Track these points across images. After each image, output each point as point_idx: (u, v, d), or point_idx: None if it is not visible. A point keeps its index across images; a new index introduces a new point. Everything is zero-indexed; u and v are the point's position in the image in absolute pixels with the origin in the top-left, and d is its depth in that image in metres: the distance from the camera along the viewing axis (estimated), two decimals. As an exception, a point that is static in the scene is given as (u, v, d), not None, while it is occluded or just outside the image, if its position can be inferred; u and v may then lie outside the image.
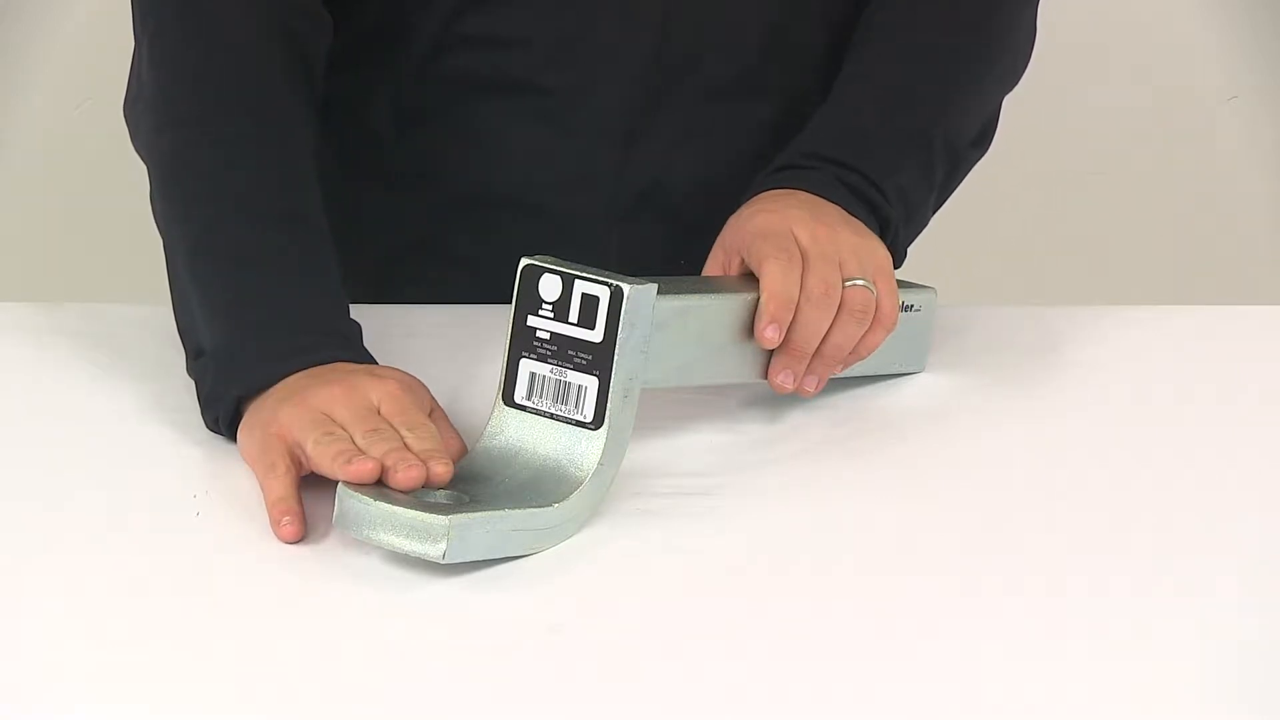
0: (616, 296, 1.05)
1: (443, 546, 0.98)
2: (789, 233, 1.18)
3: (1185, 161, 2.57)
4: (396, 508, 0.99)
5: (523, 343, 1.07)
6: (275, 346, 1.15)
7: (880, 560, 1.04)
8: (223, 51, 1.25)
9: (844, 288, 1.16)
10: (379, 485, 1.02)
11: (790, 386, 1.17)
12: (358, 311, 1.19)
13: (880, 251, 1.20)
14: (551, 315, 1.06)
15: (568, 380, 1.06)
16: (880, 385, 1.24)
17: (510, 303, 1.07)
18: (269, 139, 1.24)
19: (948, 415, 1.21)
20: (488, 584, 1.00)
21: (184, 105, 1.24)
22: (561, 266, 1.06)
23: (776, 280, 1.15)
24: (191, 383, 1.17)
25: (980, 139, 1.36)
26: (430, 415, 1.11)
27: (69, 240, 2.45)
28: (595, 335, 1.05)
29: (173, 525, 1.05)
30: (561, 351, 1.06)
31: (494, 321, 1.11)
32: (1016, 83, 1.39)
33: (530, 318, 1.06)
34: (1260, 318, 1.42)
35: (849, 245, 1.18)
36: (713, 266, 1.21)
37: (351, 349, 1.17)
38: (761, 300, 1.15)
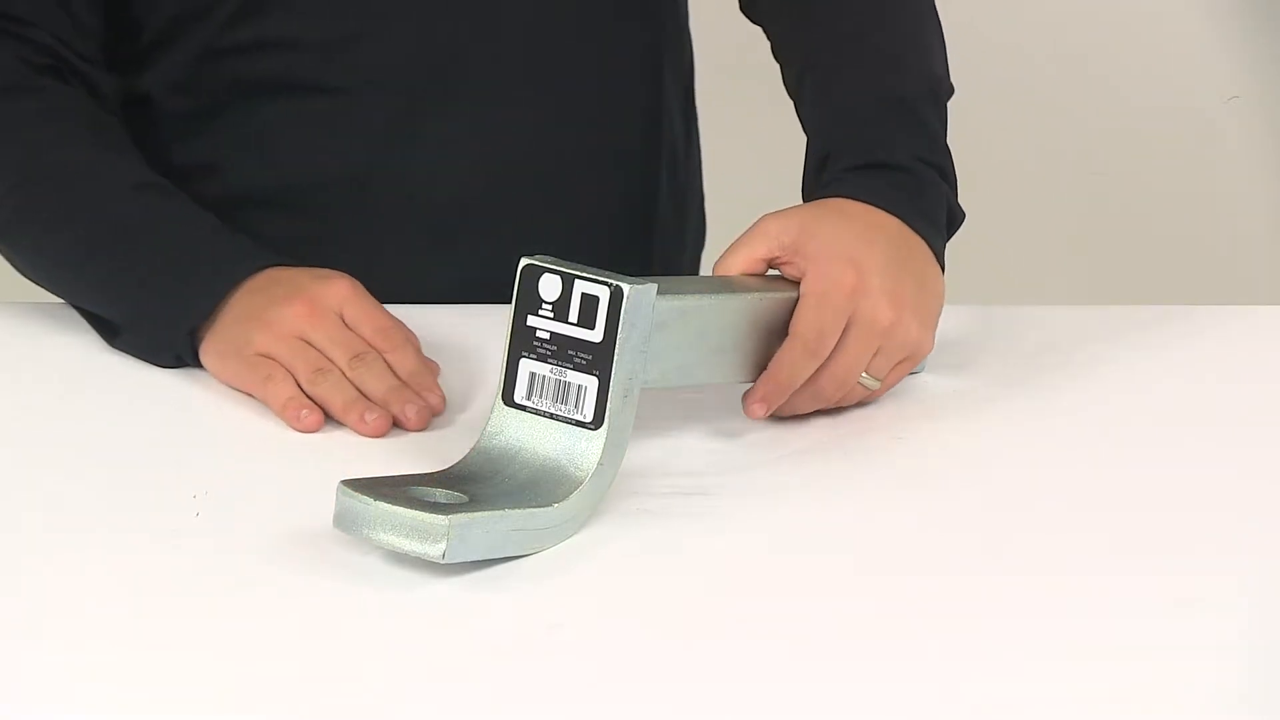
0: (616, 296, 1.05)
1: (443, 546, 0.98)
2: (854, 289, 1.15)
3: (1185, 161, 2.57)
4: (396, 507, 0.99)
5: (522, 342, 1.07)
6: (202, 270, 1.21)
7: (880, 560, 1.04)
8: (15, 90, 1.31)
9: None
10: (379, 484, 1.02)
11: (760, 416, 1.16)
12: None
13: (927, 344, 1.19)
14: (551, 315, 1.06)
15: (567, 380, 1.06)
16: (880, 385, 1.24)
17: (510, 301, 1.07)
18: (90, 130, 1.30)
19: (948, 415, 1.21)
20: (488, 584, 1.00)
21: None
22: (561, 266, 1.06)
23: (790, 361, 1.14)
24: (193, 381, 1.18)
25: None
26: None
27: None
28: (595, 335, 1.05)
29: (173, 525, 1.05)
30: (561, 351, 1.06)
31: (494, 321, 1.11)
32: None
33: (530, 317, 1.06)
34: (1260, 318, 1.42)
35: (899, 334, 1.17)
36: (745, 254, 1.18)
37: (271, 253, 1.23)
38: (766, 372, 1.15)
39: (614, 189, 1.43)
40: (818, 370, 1.15)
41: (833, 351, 1.15)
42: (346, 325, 1.19)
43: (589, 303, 1.05)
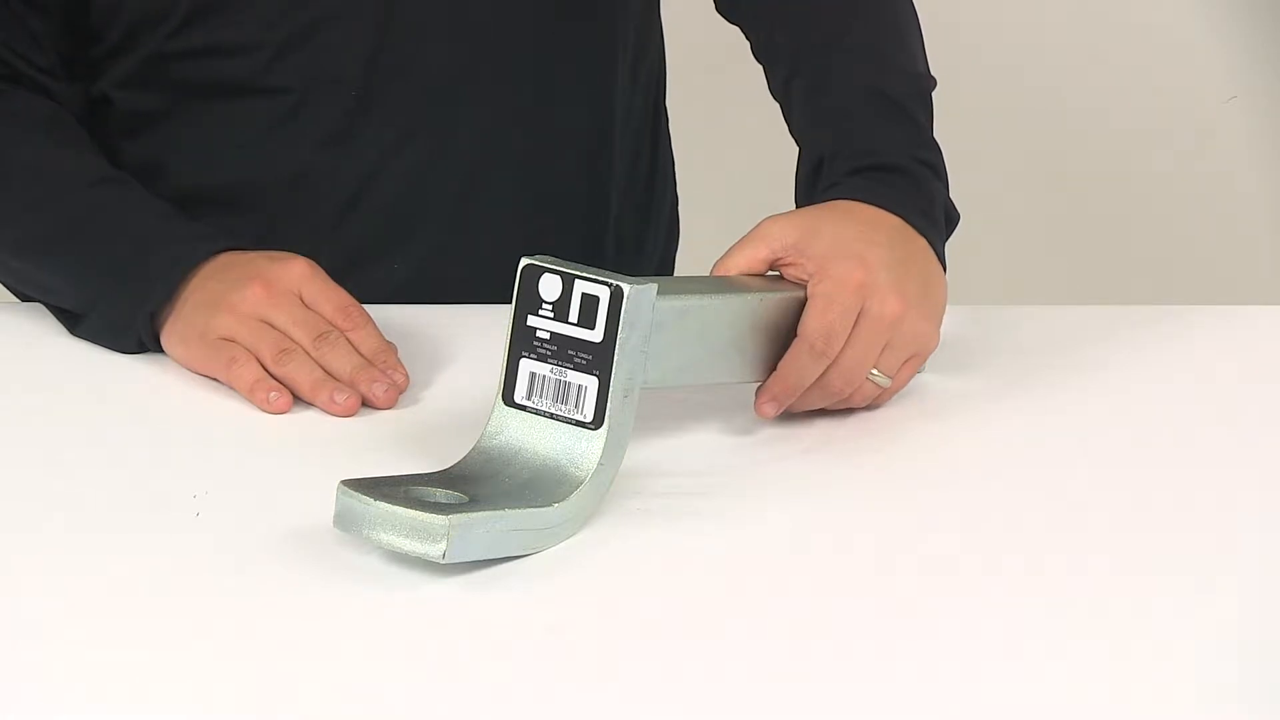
0: (616, 296, 1.05)
1: (443, 546, 0.98)
2: (861, 285, 1.16)
3: (1185, 161, 2.57)
4: (396, 507, 0.99)
5: (523, 342, 1.07)
6: (159, 255, 1.23)
7: (880, 560, 1.04)
8: None
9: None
10: (379, 484, 1.02)
11: (771, 415, 1.17)
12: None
13: (934, 340, 1.20)
14: (551, 315, 1.06)
15: (568, 380, 1.06)
16: (880, 385, 1.24)
17: (510, 301, 1.07)
18: (45, 128, 1.32)
19: (947, 415, 1.21)
20: (488, 584, 1.00)
21: None
22: (562, 266, 1.06)
23: (799, 361, 1.15)
24: (193, 381, 1.18)
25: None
26: None
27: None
28: (595, 335, 1.05)
29: (173, 525, 1.05)
30: (561, 351, 1.06)
31: (494, 321, 1.11)
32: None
33: (530, 317, 1.06)
34: (1260, 318, 1.42)
35: (907, 337, 1.17)
36: (748, 255, 1.18)
37: (227, 237, 1.25)
38: (776, 372, 1.15)
39: (564, 190, 1.43)
40: (827, 367, 1.15)
41: (842, 347, 1.15)
42: (306, 305, 1.21)
43: (589, 303, 1.05)
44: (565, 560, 1.02)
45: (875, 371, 1.17)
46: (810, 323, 1.15)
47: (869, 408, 1.20)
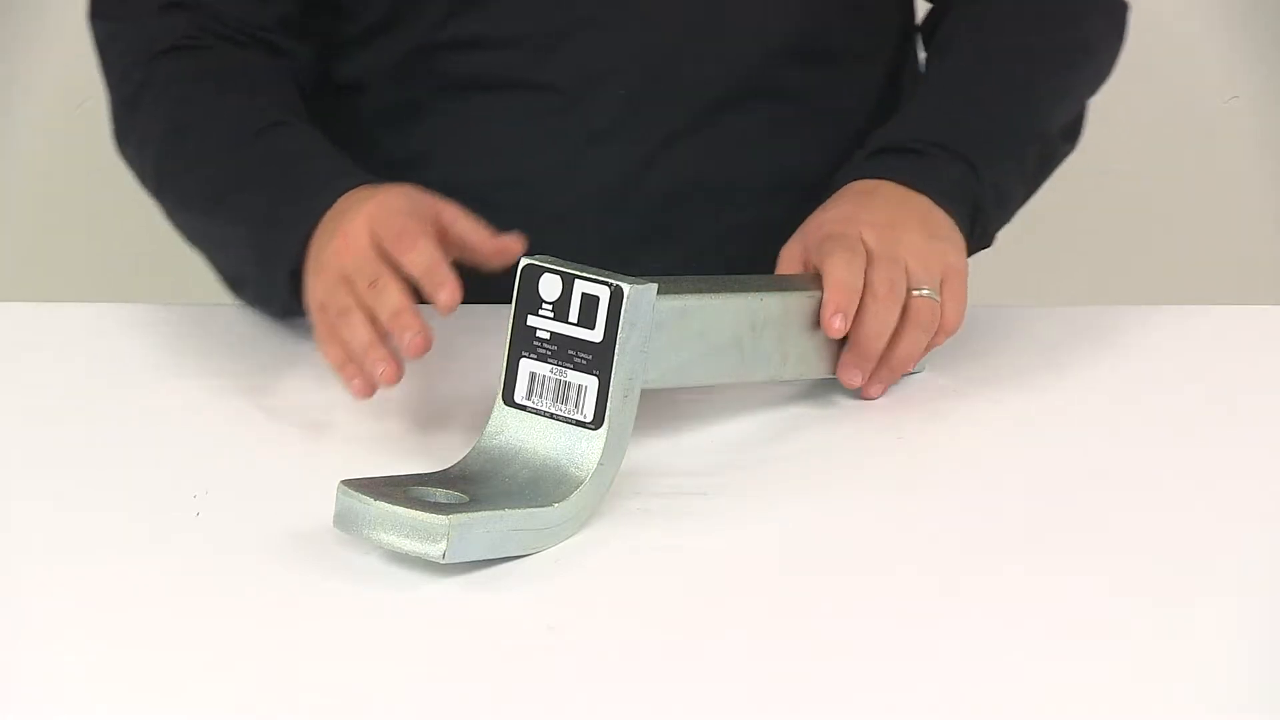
0: (616, 296, 1.05)
1: (443, 546, 0.98)
2: (857, 236, 1.19)
3: (1185, 161, 2.57)
4: (396, 507, 0.99)
5: (523, 342, 1.07)
6: (283, 218, 1.21)
7: (880, 560, 1.04)
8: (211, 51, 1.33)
9: (910, 295, 1.18)
10: (379, 485, 1.02)
11: (858, 382, 1.19)
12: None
13: (951, 255, 1.22)
14: (551, 315, 1.06)
15: (568, 380, 1.06)
16: (880, 385, 1.24)
17: (510, 301, 1.07)
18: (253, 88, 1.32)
19: (947, 415, 1.21)
20: (488, 584, 1.00)
21: (176, 89, 1.32)
22: (561, 266, 1.06)
23: (839, 270, 1.17)
24: (193, 381, 1.18)
25: (1070, 134, 1.38)
26: (439, 219, 1.16)
27: (67, 240, 2.45)
28: (595, 335, 1.05)
29: (173, 525, 1.05)
30: (561, 351, 1.06)
31: (494, 322, 1.11)
32: (1103, 83, 1.43)
33: (530, 317, 1.06)
34: (1260, 318, 1.42)
35: (916, 250, 1.20)
36: (788, 260, 1.22)
37: (350, 173, 1.23)
38: (825, 291, 1.17)
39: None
40: (863, 307, 1.17)
41: (867, 282, 1.17)
42: (375, 245, 1.16)
43: (589, 303, 1.05)
44: (565, 560, 1.02)
45: (919, 289, 1.18)
46: (832, 273, 1.17)
47: (915, 382, 1.22)
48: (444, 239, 1.16)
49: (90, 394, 1.21)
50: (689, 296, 1.11)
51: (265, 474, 1.12)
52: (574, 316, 1.06)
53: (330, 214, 1.19)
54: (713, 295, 1.13)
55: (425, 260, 1.13)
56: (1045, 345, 1.32)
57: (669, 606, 0.99)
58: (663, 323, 1.08)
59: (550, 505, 1.03)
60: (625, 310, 1.05)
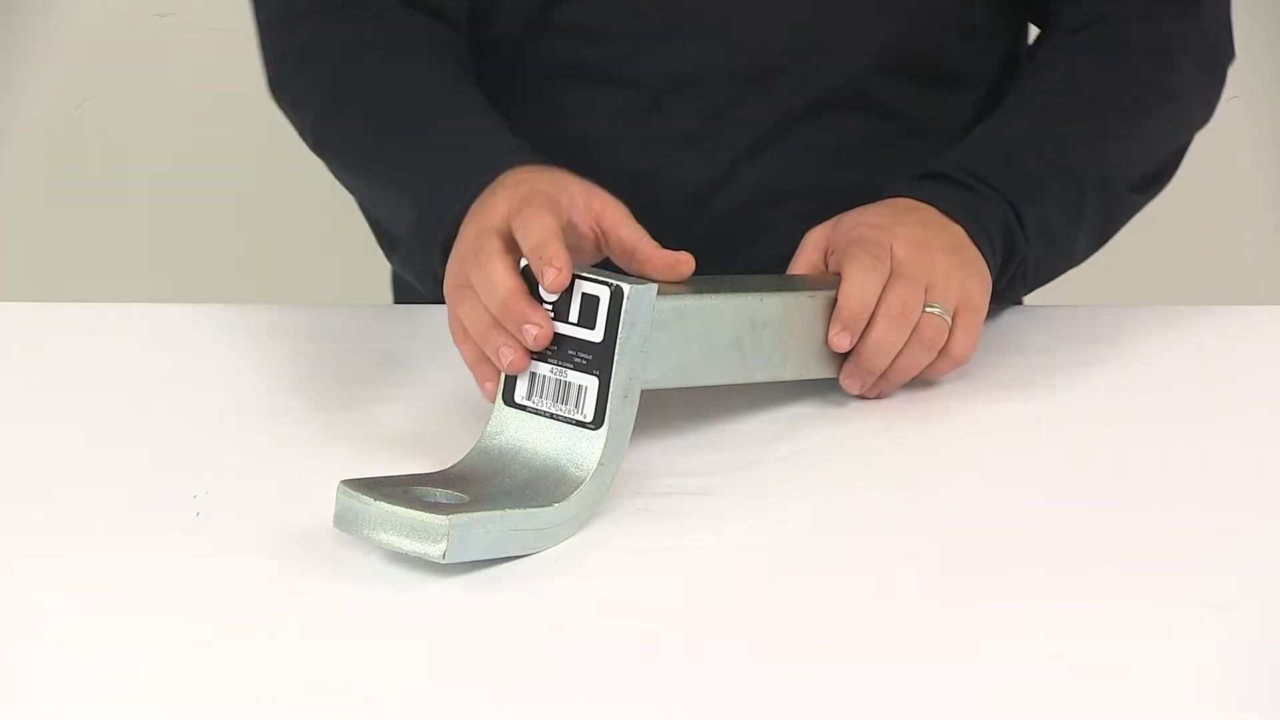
0: (616, 296, 1.05)
1: (443, 546, 0.98)
2: (888, 246, 1.19)
3: (1186, 162, 2.57)
4: (396, 507, 0.99)
5: (523, 343, 1.07)
6: (436, 205, 1.21)
7: (880, 560, 1.04)
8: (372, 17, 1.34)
9: (922, 313, 1.18)
10: (379, 484, 1.02)
11: (857, 391, 1.20)
12: (363, 311, 1.19)
13: (974, 288, 1.21)
14: (552, 315, 1.06)
15: (568, 380, 1.06)
16: (880, 385, 1.24)
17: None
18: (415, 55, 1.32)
19: (947, 415, 1.21)
20: (488, 584, 1.00)
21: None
22: (561, 266, 1.06)
23: (856, 286, 1.17)
24: (193, 381, 1.17)
25: (1146, 183, 1.36)
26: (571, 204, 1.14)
27: (69, 239, 2.45)
28: (595, 335, 1.05)
29: (173, 525, 1.05)
30: (562, 351, 1.06)
31: (494, 321, 1.11)
32: (1195, 131, 1.39)
33: (530, 317, 1.06)
34: (1260, 318, 1.42)
35: (943, 271, 1.19)
36: (803, 257, 1.23)
37: (512, 153, 1.21)
38: (839, 300, 1.17)
39: None
40: (872, 325, 1.17)
41: (881, 300, 1.17)
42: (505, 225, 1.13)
43: (589, 303, 1.05)
44: (565, 560, 1.02)
45: (931, 306, 1.18)
46: (849, 287, 1.17)
47: (915, 383, 1.22)
48: (604, 242, 1.14)
49: (90, 394, 1.21)
50: (689, 297, 1.11)
51: (265, 474, 1.12)
52: (574, 316, 1.06)
53: (485, 192, 1.17)
54: (713, 295, 1.13)
55: (537, 236, 1.07)
56: (1045, 345, 1.31)
57: (669, 606, 0.99)
58: (663, 323, 1.08)
59: (550, 505, 1.03)
60: (625, 310, 1.05)
